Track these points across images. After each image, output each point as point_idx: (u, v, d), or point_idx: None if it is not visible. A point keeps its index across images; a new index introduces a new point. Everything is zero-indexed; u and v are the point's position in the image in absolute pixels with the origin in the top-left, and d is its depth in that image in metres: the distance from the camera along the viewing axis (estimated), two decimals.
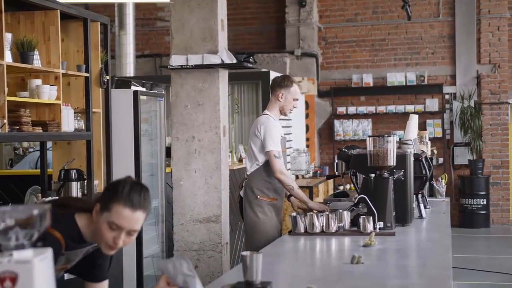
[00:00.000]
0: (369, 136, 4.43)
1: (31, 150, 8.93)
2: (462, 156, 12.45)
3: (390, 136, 4.39)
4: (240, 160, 8.05)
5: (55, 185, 5.51)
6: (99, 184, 5.81)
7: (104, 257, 2.83)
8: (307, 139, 12.25)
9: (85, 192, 5.57)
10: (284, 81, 5.33)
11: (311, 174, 10.45)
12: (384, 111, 12.63)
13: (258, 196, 5.21)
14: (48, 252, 1.78)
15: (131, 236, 2.57)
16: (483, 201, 12.12)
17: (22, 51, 4.75)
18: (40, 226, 1.76)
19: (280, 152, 5.12)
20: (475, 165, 12.15)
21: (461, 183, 12.31)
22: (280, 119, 9.20)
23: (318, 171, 10.99)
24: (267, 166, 5.21)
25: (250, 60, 6.14)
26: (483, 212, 12.15)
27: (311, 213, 4.30)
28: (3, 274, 1.71)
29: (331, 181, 11.13)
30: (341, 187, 12.23)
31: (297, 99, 5.34)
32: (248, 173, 5.33)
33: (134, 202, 2.53)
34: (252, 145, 5.27)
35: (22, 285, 1.70)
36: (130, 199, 2.53)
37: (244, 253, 2.73)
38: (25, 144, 8.88)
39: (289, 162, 9.87)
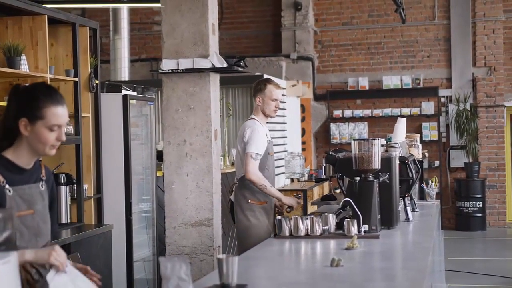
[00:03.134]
0: (354, 140, 4.45)
1: None
2: (458, 159, 12.46)
3: (374, 139, 4.41)
4: (233, 164, 8.07)
5: None
6: (88, 188, 5.82)
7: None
8: (303, 143, 12.27)
9: (75, 196, 5.58)
10: (258, 85, 5.40)
11: (306, 177, 10.46)
12: (380, 114, 12.64)
13: (249, 200, 5.26)
14: (12, 256, 1.80)
15: (63, 129, 2.74)
16: (479, 204, 12.12)
17: (9, 56, 4.78)
18: (3, 230, 1.78)
19: (258, 155, 5.18)
20: (471, 168, 12.16)
21: (457, 186, 12.31)
22: (273, 122, 9.22)
23: (314, 175, 11.00)
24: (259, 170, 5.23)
25: (241, 64, 6.17)
26: (479, 215, 12.15)
27: (296, 216, 4.32)
28: None
29: (326, 184, 11.14)
30: (338, 190, 12.24)
31: (275, 99, 5.36)
32: (238, 178, 5.38)
33: (59, 99, 2.72)
34: (240, 150, 5.34)
35: None
36: (56, 98, 2.71)
37: (219, 256, 2.75)
38: None
39: (282, 166, 9.90)
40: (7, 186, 2.63)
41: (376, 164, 4.38)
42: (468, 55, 12.48)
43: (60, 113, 2.69)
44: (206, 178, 5.89)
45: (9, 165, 2.69)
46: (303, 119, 12.25)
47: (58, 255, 2.55)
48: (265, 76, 9.87)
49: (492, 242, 11.45)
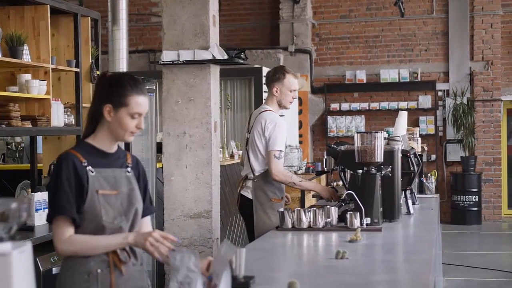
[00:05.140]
0: (357, 132, 4.44)
1: (23, 145, 8.93)
2: (455, 153, 12.49)
3: (377, 132, 4.41)
4: (232, 156, 8.07)
5: (45, 179, 5.51)
6: None
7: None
8: (301, 135, 12.27)
9: None
10: (276, 74, 5.13)
11: (303, 170, 10.46)
12: (378, 108, 12.66)
13: (272, 199, 5.05)
14: (27, 246, 1.79)
15: (143, 118, 2.87)
16: (475, 198, 12.16)
17: (11, 46, 4.76)
18: (19, 220, 1.78)
19: (282, 153, 4.95)
20: (468, 162, 12.19)
21: (453, 179, 12.35)
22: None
23: (311, 167, 11.00)
24: None
25: (241, 56, 6.16)
26: (475, 208, 12.19)
27: (299, 208, 4.31)
28: None
29: (323, 177, 11.16)
30: (334, 183, 12.25)
31: (294, 90, 5.12)
32: (256, 173, 5.09)
33: (143, 89, 2.85)
34: (259, 144, 5.05)
35: (0, 277, 1.72)
36: (140, 88, 2.83)
37: None
38: (18, 139, 8.88)
39: None
40: (89, 167, 2.79)
41: (379, 157, 4.37)
42: (465, 49, 12.50)
43: (142, 102, 2.82)
44: (206, 170, 5.89)
45: (91, 149, 2.84)
46: (300, 112, 12.25)
47: (155, 240, 2.70)
48: (265, 69, 9.88)
49: (488, 236, 11.50)
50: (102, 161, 2.85)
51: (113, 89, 2.82)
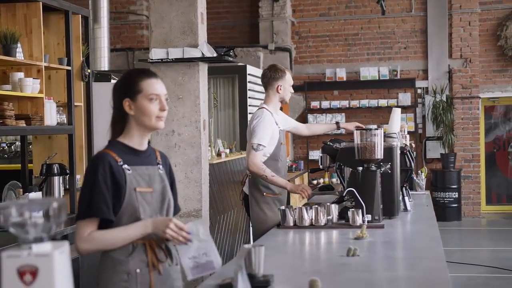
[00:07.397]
0: (357, 129, 4.44)
1: (3, 145, 8.81)
2: (434, 150, 12.58)
3: (377, 129, 4.40)
4: (219, 155, 8.03)
5: (36, 179, 5.43)
6: (81, 179, 5.74)
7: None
8: None
9: (67, 187, 5.50)
10: (278, 73, 5.26)
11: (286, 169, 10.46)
12: (358, 106, 12.69)
13: (264, 193, 5.12)
14: (66, 246, 1.76)
15: (166, 101, 2.85)
16: (454, 195, 12.26)
17: (5, 44, 4.67)
18: (59, 220, 1.74)
19: (261, 146, 5.02)
20: (447, 158, 12.29)
21: (433, 176, 12.44)
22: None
23: (293, 166, 11.02)
24: (270, 161, 5.09)
25: (230, 54, 6.14)
26: (455, 205, 12.30)
27: (300, 206, 4.30)
28: (23, 268, 1.69)
29: (305, 175, 11.18)
30: (315, 182, 12.27)
31: (291, 84, 5.36)
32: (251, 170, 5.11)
33: (152, 74, 2.88)
34: (249, 140, 5.15)
35: (42, 278, 1.69)
36: (148, 73, 2.87)
37: (246, 246, 2.72)
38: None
39: None
40: (125, 165, 2.78)
41: (379, 154, 4.38)
42: (444, 46, 12.59)
43: (155, 84, 2.82)
44: (195, 169, 5.86)
45: (123, 147, 2.82)
46: (280, 110, 12.22)
47: (174, 229, 2.68)
48: (249, 67, 9.86)
49: (468, 232, 11.60)
50: (136, 159, 2.83)
51: (125, 84, 2.85)
